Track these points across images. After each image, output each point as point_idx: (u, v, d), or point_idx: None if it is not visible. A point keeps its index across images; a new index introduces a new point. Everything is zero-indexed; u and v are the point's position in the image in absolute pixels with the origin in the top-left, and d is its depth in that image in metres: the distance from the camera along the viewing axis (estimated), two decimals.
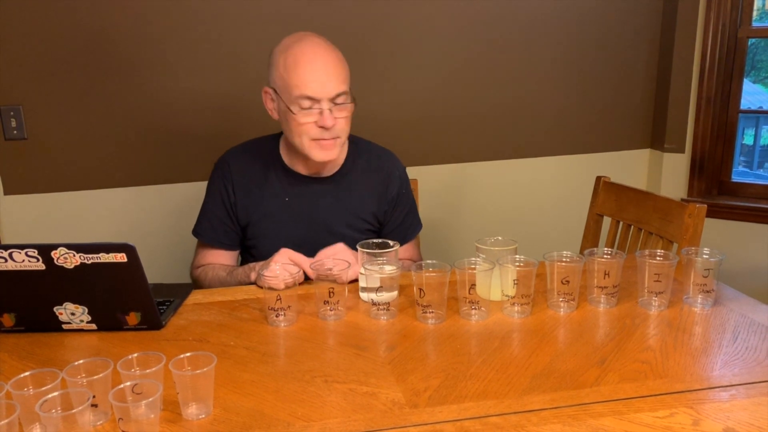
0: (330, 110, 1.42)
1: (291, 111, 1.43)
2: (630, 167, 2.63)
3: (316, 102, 1.41)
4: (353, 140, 1.63)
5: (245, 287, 1.45)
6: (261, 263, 1.44)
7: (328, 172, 1.58)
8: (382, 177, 1.62)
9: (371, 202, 1.60)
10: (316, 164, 1.52)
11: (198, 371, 0.91)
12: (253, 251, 1.60)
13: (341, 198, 1.58)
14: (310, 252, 1.51)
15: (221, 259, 1.60)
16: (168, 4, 2.07)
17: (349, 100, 1.46)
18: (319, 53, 1.42)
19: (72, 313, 1.18)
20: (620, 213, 1.85)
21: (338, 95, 1.42)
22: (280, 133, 1.58)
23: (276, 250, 1.47)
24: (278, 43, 1.47)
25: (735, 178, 2.55)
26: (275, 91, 1.47)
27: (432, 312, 1.23)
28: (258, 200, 1.56)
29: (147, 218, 2.23)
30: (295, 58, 1.41)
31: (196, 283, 1.60)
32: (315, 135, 1.44)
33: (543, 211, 2.56)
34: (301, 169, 1.56)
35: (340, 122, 1.45)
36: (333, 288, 1.25)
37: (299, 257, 1.38)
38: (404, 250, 1.67)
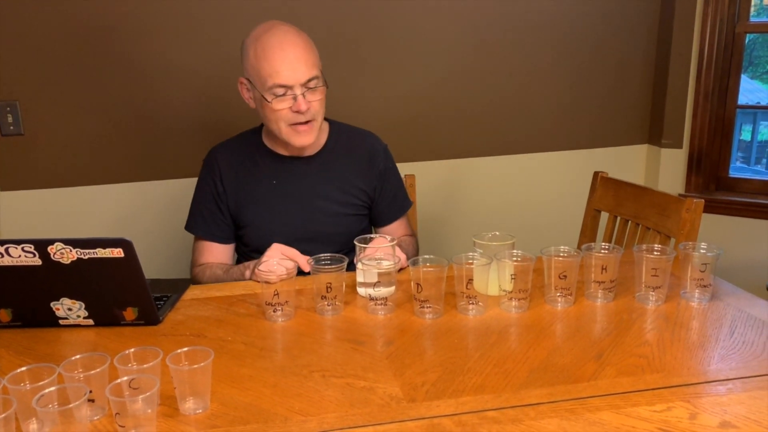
0: (303, 95, 1.45)
1: (266, 99, 1.46)
2: (628, 163, 2.63)
3: (289, 89, 1.44)
4: (330, 122, 1.66)
5: (242, 282, 1.44)
6: (255, 261, 1.44)
7: (311, 151, 1.60)
8: (366, 154, 1.64)
9: (357, 179, 1.62)
10: (296, 147, 1.54)
11: (195, 366, 0.91)
12: (246, 239, 1.61)
13: (327, 176, 1.60)
14: (302, 232, 1.54)
15: (218, 254, 1.61)
16: (166, 0, 2.07)
17: (321, 84, 1.48)
18: (287, 41, 1.45)
19: (69, 309, 1.18)
20: (618, 208, 1.85)
21: (310, 80, 1.45)
22: (262, 125, 1.61)
23: (269, 233, 1.50)
24: (249, 34, 1.50)
25: (732, 174, 2.55)
26: (249, 81, 1.50)
27: (429, 307, 1.23)
28: (247, 186, 1.59)
29: (144, 214, 2.22)
30: (264, 48, 1.44)
31: (195, 282, 1.60)
32: (291, 120, 1.47)
33: (541, 207, 2.56)
34: (283, 151, 1.59)
35: (314, 105, 1.48)
36: (330, 283, 1.24)
37: (292, 251, 1.39)
38: (400, 225, 1.71)
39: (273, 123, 1.50)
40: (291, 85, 1.44)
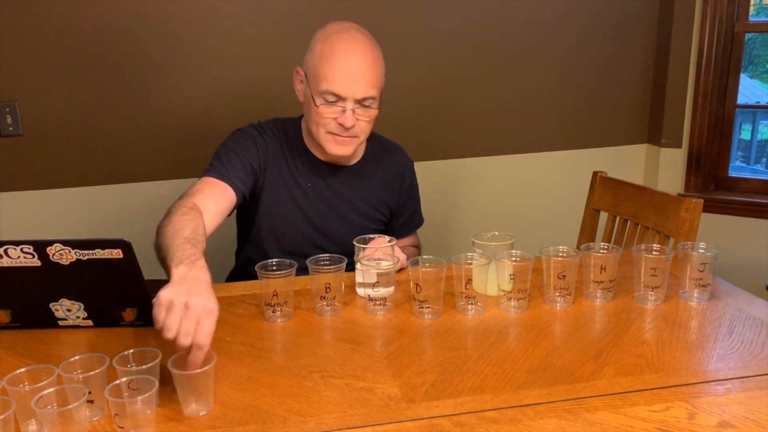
0: (353, 111, 1.39)
1: (314, 101, 1.40)
2: (627, 162, 2.63)
3: (341, 99, 1.38)
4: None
5: (242, 283, 1.44)
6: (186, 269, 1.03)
7: (350, 162, 1.56)
8: (396, 169, 1.63)
9: (385, 194, 1.61)
10: (331, 155, 1.49)
11: (198, 370, 0.91)
12: (265, 232, 1.54)
13: (358, 187, 1.58)
14: (321, 238, 1.53)
15: (213, 191, 1.39)
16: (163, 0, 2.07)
17: (376, 105, 1.42)
18: (357, 51, 1.38)
19: (68, 310, 1.18)
20: (617, 208, 1.85)
21: (365, 99, 1.39)
22: (301, 117, 1.55)
23: (291, 232, 1.50)
24: (323, 27, 1.44)
25: (732, 173, 2.55)
26: (306, 75, 1.44)
27: (428, 307, 1.23)
28: (282, 180, 1.52)
29: (143, 215, 2.21)
30: (331, 49, 1.37)
31: (161, 224, 1.27)
32: (332, 129, 1.42)
33: (540, 206, 2.56)
34: (321, 155, 1.53)
35: (362, 123, 1.42)
36: (329, 283, 1.24)
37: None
38: (410, 239, 1.73)
39: (314, 124, 1.43)
40: (344, 97, 1.37)
